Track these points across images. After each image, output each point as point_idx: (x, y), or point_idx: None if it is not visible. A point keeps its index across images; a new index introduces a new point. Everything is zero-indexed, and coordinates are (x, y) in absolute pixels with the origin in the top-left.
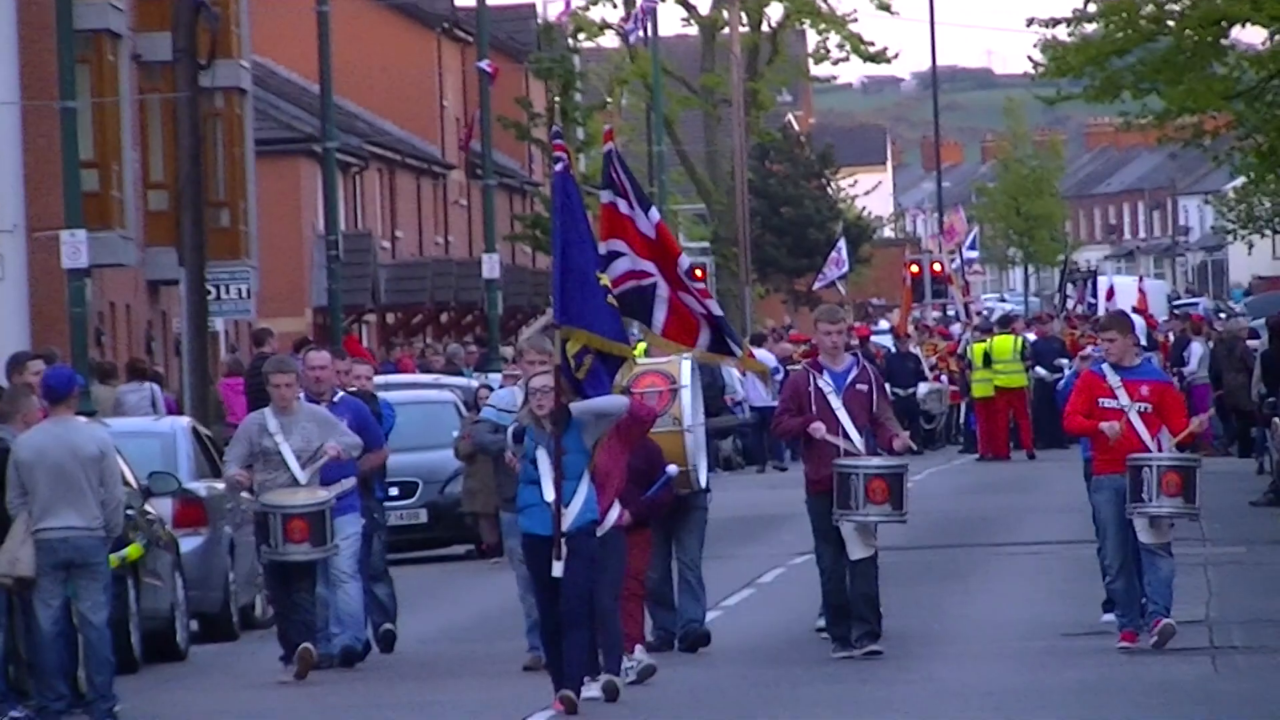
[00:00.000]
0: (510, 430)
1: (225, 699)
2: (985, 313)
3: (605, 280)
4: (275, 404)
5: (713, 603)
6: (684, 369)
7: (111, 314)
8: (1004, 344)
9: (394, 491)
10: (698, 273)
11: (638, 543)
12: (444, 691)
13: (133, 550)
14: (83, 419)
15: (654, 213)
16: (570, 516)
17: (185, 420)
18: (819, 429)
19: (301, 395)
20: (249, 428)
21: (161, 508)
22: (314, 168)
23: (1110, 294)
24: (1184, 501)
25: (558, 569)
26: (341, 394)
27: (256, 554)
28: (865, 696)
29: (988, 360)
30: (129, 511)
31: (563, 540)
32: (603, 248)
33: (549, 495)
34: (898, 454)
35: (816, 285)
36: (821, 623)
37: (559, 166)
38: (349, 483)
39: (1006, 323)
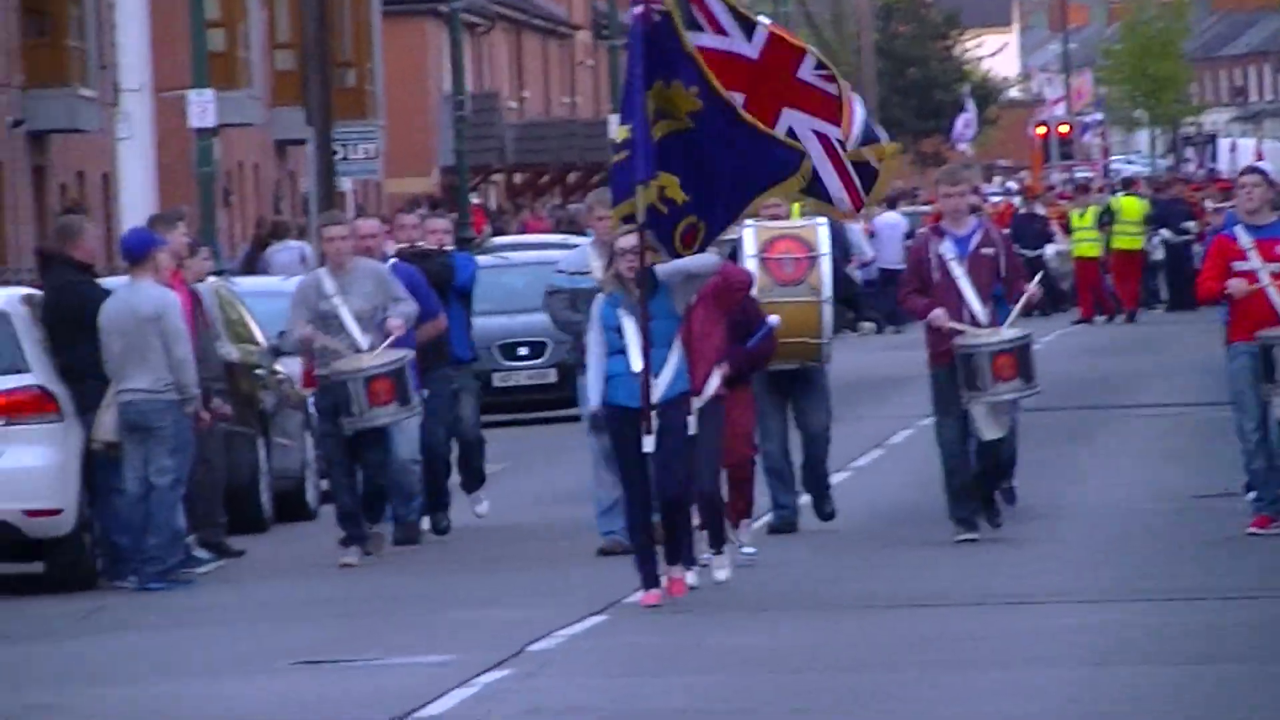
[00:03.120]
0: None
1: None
2: (1115, 173)
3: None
4: (330, 262)
5: (842, 464)
6: (821, 235)
7: (239, 173)
8: (1130, 205)
9: (523, 351)
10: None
11: (740, 400)
12: (532, 571)
13: None
14: (150, 280)
15: (758, 33)
16: (660, 387)
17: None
18: (939, 317)
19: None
20: (305, 291)
21: (291, 367)
22: (440, 28)
23: (1233, 149)
24: None
25: (648, 444)
26: (393, 260)
27: (327, 427)
28: (993, 561)
29: (1107, 219)
30: (258, 371)
31: (653, 413)
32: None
33: (636, 365)
34: (1029, 304)
35: (959, 146)
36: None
37: (637, 10)
38: (407, 354)
39: (1129, 184)
